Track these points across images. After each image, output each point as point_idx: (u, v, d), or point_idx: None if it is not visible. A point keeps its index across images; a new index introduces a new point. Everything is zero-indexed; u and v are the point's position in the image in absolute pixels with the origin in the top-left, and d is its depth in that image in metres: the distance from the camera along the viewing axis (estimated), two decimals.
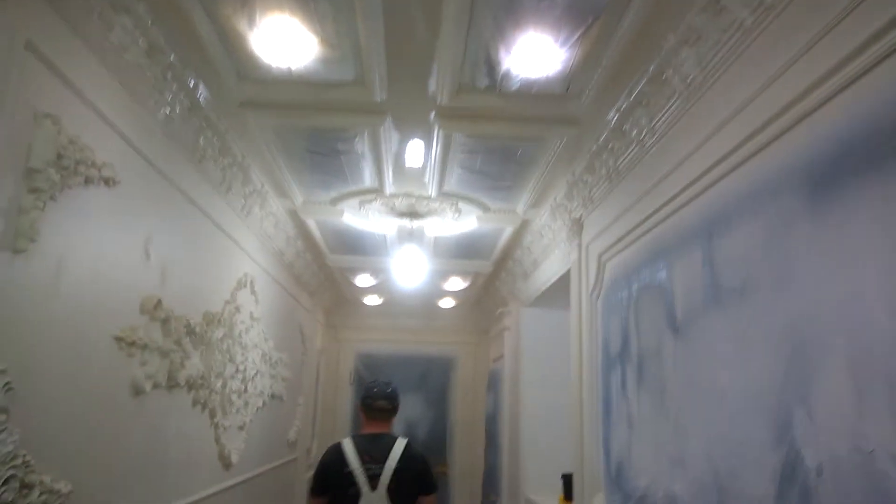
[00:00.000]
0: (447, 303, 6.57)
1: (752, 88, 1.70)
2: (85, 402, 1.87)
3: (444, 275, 5.39)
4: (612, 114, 2.43)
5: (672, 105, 2.12)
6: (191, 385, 2.69)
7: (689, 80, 1.99)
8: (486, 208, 3.57)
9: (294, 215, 3.81)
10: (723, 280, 1.75)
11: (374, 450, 2.83)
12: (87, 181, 1.79)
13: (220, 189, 2.93)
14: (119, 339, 2.03)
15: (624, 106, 2.34)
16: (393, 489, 2.74)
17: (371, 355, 6.82)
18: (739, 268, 1.67)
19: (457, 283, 5.55)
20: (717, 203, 1.84)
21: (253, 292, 3.60)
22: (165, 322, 2.36)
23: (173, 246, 2.48)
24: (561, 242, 3.62)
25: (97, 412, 1.95)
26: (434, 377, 6.85)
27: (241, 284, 3.34)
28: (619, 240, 2.63)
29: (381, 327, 6.86)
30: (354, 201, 3.53)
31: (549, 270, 3.99)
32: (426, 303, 6.65)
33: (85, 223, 1.82)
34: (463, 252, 4.65)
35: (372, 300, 6.51)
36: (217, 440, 3.12)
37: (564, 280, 3.75)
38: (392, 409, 2.95)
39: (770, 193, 1.59)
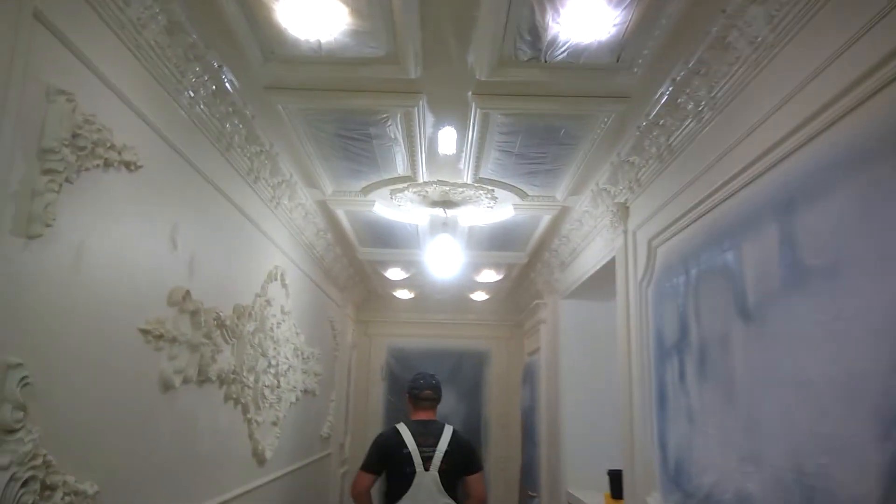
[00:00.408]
0: (479, 296, 6.42)
1: (834, 45, 1.51)
2: (110, 397, 1.76)
3: (476, 267, 5.24)
4: (665, 86, 2.25)
5: (736, 72, 1.94)
6: (222, 380, 2.58)
7: (757, 42, 1.80)
8: (523, 195, 3.40)
9: (324, 206, 3.69)
10: (807, 259, 1.57)
11: (427, 434, 3.27)
12: (107, 164, 1.67)
13: (248, 178, 2.82)
14: (145, 332, 1.92)
15: (680, 76, 2.16)
16: (444, 470, 3.19)
17: (403, 350, 6.71)
18: (828, 245, 1.49)
19: (490, 276, 5.39)
20: (796, 175, 1.65)
21: (284, 286, 3.49)
22: (194, 315, 2.25)
23: (201, 236, 2.37)
24: (603, 230, 3.44)
25: (124, 408, 1.84)
26: (467, 371, 6.71)
27: (271, 277, 3.23)
28: (673, 223, 2.45)
29: (413, 322, 6.74)
30: (386, 190, 3.40)
31: (589, 260, 3.82)
32: (458, 296, 6.50)
33: (106, 209, 1.70)
34: (497, 243, 4.49)
35: (403, 294, 6.39)
36: (251, 436, 3.02)
37: (606, 270, 3.57)
38: (437, 399, 3.45)
39: (862, 160, 1.40)
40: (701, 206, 2.22)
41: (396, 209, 3.68)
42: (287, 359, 3.56)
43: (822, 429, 1.47)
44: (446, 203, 3.50)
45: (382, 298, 6.70)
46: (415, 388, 3.44)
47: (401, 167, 3.06)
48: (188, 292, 2.18)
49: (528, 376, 5.82)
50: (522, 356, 6.53)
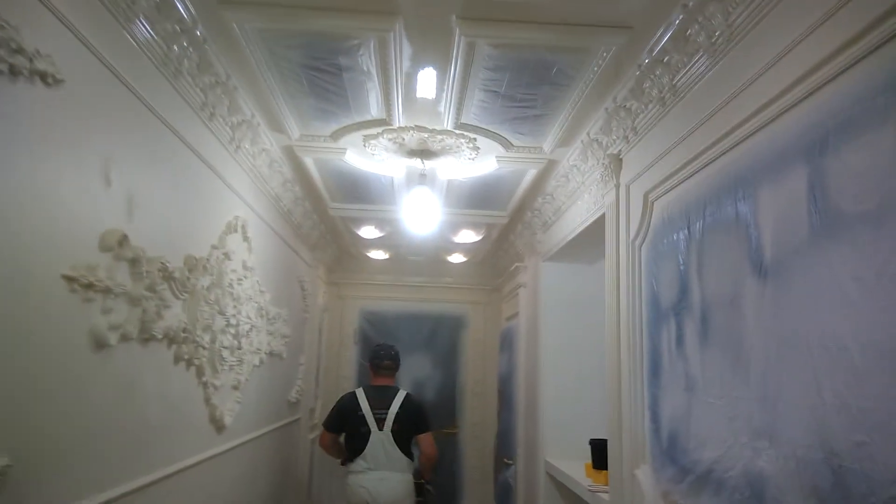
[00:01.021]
0: (457, 258, 6.19)
1: None
2: (23, 355, 1.49)
3: (454, 227, 4.99)
4: (675, 14, 1.99)
5: None
6: (171, 339, 2.31)
7: None
8: (508, 145, 3.14)
9: (290, 153, 3.39)
10: (844, 205, 1.34)
11: (381, 398, 3.93)
12: (14, 72, 1.38)
13: (203, 114, 2.51)
14: (71, 280, 1.64)
15: (692, 2, 1.90)
16: (395, 429, 3.85)
17: (376, 313, 6.47)
18: (872, 187, 1.26)
19: (468, 237, 5.15)
20: (833, 108, 1.42)
21: (245, 238, 3.20)
22: (134, 263, 1.97)
23: (143, 174, 2.08)
24: (592, 185, 3.20)
25: (42, 368, 1.57)
26: (443, 336, 6.50)
27: (230, 228, 2.94)
28: (674, 173, 2.21)
29: (387, 284, 6.48)
30: (358, 136, 3.11)
31: (574, 219, 3.59)
32: (435, 258, 6.26)
33: (13, 129, 1.41)
34: (477, 201, 4.24)
35: (377, 255, 6.12)
36: (207, 401, 2.77)
37: (593, 229, 3.35)
38: (395, 367, 4.16)
39: None
40: (708, 153, 1.99)
41: (370, 159, 3.40)
42: (249, 318, 3.30)
43: (858, 402, 1.26)
44: (424, 153, 3.22)
45: (356, 260, 6.43)
46: (376, 358, 4.12)
47: (375, 108, 2.77)
48: (125, 236, 1.90)
49: (506, 342, 5.63)
50: (500, 321, 6.33)
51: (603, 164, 2.89)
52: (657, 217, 2.38)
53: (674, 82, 2.18)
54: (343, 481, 3.99)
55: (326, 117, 2.88)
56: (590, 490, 3.05)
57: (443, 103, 2.71)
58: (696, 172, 2.07)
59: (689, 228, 2.08)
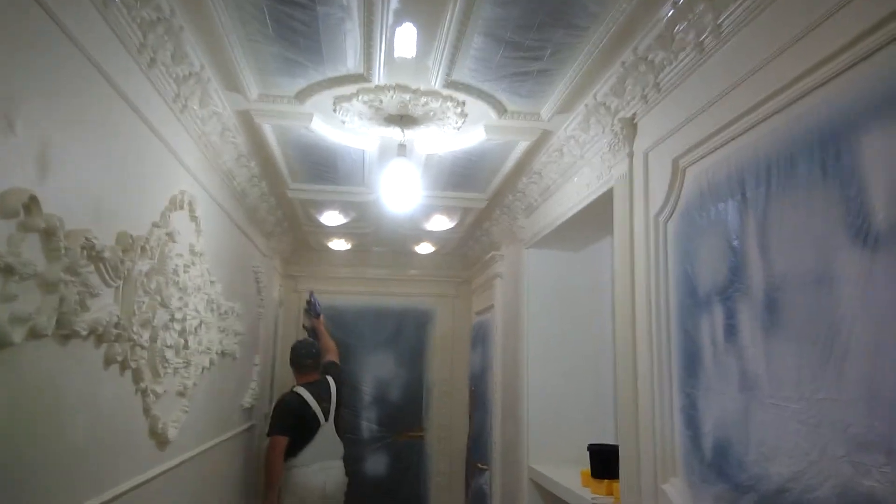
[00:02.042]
0: (425, 248, 5.77)
1: None
2: None
3: (427, 212, 4.57)
4: None
5: None
6: (100, 336, 1.84)
7: None
8: (501, 110, 2.74)
9: (247, 120, 2.91)
10: None
11: (320, 391, 4.24)
12: None
13: (140, 59, 2.03)
14: None
15: None
16: (335, 417, 4.25)
17: (336, 308, 5.97)
18: None
19: (441, 223, 4.74)
20: None
21: (193, 218, 2.72)
22: (49, 236, 1.50)
23: (61, 123, 1.61)
24: (594, 158, 2.84)
25: None
26: (408, 333, 6.07)
27: (175, 204, 2.46)
28: (717, 132, 1.85)
29: (349, 277, 6.02)
30: (328, 98, 2.66)
31: (567, 200, 3.23)
32: (401, 249, 5.83)
33: None
34: (456, 181, 3.84)
35: (338, 245, 5.65)
36: (147, 411, 2.29)
37: (591, 210, 3.01)
38: (316, 363, 4.42)
39: None
40: (770, 103, 1.63)
41: (340, 127, 2.95)
42: (198, 312, 2.81)
43: None
44: (404, 120, 2.80)
45: (315, 251, 5.93)
46: (298, 358, 4.39)
47: (352, 59, 2.34)
48: (34, 199, 1.42)
49: (479, 337, 5.26)
50: (471, 316, 5.95)
51: (612, 130, 2.53)
52: (691, 186, 2.03)
53: (719, 22, 1.83)
54: (285, 477, 4.08)
55: (293, 70, 2.43)
56: (594, 502, 2.69)
57: (433, 55, 2.30)
58: (752, 128, 1.71)
59: (743, 196, 1.73)
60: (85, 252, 1.68)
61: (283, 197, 4.21)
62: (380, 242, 5.60)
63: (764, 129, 1.67)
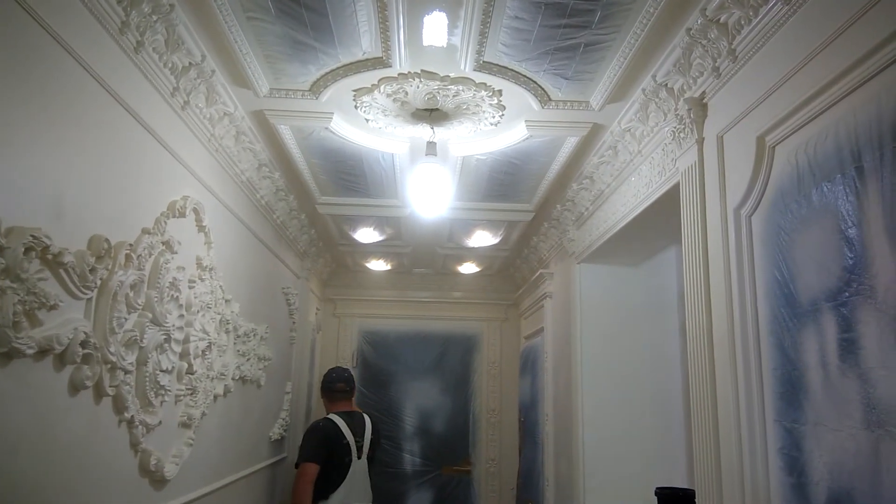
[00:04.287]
0: (469, 269, 5.41)
1: None
2: None
3: (467, 228, 4.22)
4: None
5: None
6: (63, 357, 1.54)
7: None
8: (544, 98, 2.39)
9: (262, 121, 2.64)
10: None
11: (355, 424, 3.69)
12: None
13: (124, 41, 1.77)
14: None
15: None
16: (370, 457, 3.71)
17: (378, 333, 5.67)
18: None
19: (484, 239, 4.37)
20: None
21: (201, 228, 2.44)
22: None
23: (13, 99, 1.33)
24: (655, 153, 2.45)
25: None
26: (453, 359, 5.68)
27: (175, 211, 2.18)
28: (821, 91, 1.45)
29: (390, 300, 5.70)
30: (346, 90, 2.36)
31: (623, 204, 2.83)
32: (443, 269, 5.49)
33: None
34: (497, 190, 3.48)
35: (377, 266, 5.35)
36: (134, 445, 1.98)
37: (652, 213, 2.61)
38: (350, 390, 3.85)
39: None
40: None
41: (363, 127, 2.65)
42: (206, 334, 2.52)
43: None
44: (434, 115, 2.48)
45: (353, 272, 5.65)
46: (328, 382, 3.83)
47: (367, 39, 2.03)
48: None
49: (529, 364, 4.83)
50: (519, 341, 5.54)
51: (677, 115, 2.14)
52: (783, 167, 1.62)
53: None
54: None
55: (303, 56, 2.13)
56: None
57: (460, 30, 1.97)
58: (872, 78, 1.31)
59: (860, 169, 1.31)
60: (33, 254, 1.39)
61: (315, 214, 3.94)
62: (420, 263, 5.27)
63: (888, 77, 1.26)
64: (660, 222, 2.68)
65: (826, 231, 1.42)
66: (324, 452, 3.53)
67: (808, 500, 1.45)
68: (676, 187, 2.22)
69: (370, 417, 3.83)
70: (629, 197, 2.76)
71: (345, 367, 4.30)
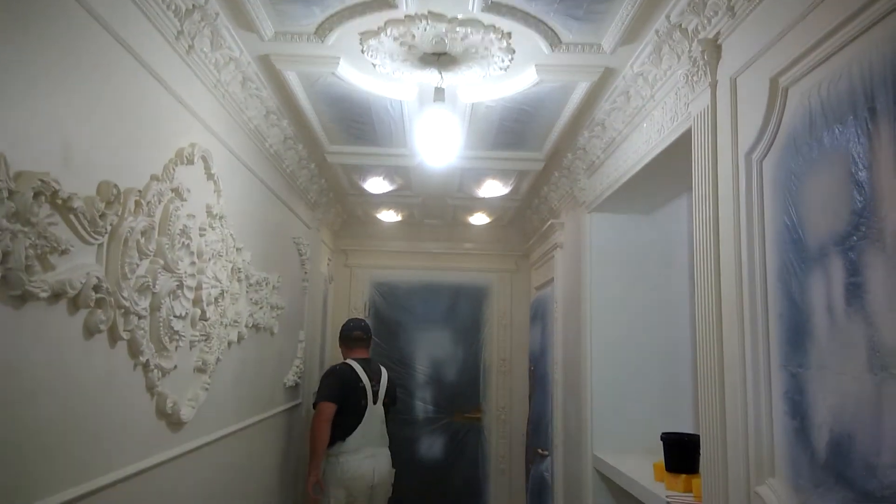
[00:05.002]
0: (479, 219, 5.40)
1: None
2: None
3: (477, 177, 4.20)
4: None
5: None
6: (76, 300, 1.57)
7: None
8: (555, 41, 2.33)
9: (268, 67, 2.61)
10: None
11: (371, 371, 3.93)
12: None
13: None
14: None
15: None
16: (385, 403, 3.93)
17: (389, 284, 5.72)
18: None
19: (494, 188, 4.35)
20: None
21: (210, 176, 2.45)
22: None
23: (18, 44, 1.33)
24: (668, 97, 2.40)
25: None
26: (464, 310, 5.74)
27: (183, 158, 2.18)
28: (837, 28, 1.40)
29: (401, 251, 5.72)
30: (352, 32, 2.32)
31: (635, 151, 2.79)
32: (454, 221, 5.48)
33: None
34: (507, 138, 3.44)
35: (388, 217, 5.35)
36: (151, 389, 2.03)
37: (664, 159, 2.57)
38: (367, 338, 4.10)
39: None
40: None
41: (371, 73, 2.62)
42: (218, 281, 2.55)
43: None
44: (442, 59, 2.43)
45: (364, 224, 5.66)
46: (346, 331, 4.10)
47: None
48: None
49: (538, 314, 4.86)
50: (530, 291, 5.56)
51: (690, 57, 2.08)
52: (796, 109, 1.58)
53: None
54: (331, 463, 3.76)
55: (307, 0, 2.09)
56: (669, 502, 2.29)
57: None
58: (888, 15, 1.26)
59: (872, 110, 1.28)
60: (43, 199, 1.40)
61: (324, 163, 3.93)
62: (431, 213, 5.26)
63: None
64: (671, 170, 2.65)
65: (836, 175, 1.39)
66: (340, 393, 3.74)
67: (809, 442, 1.47)
68: (688, 133, 2.18)
69: (386, 369, 4.07)
70: (640, 144, 2.72)
71: (361, 318, 4.49)
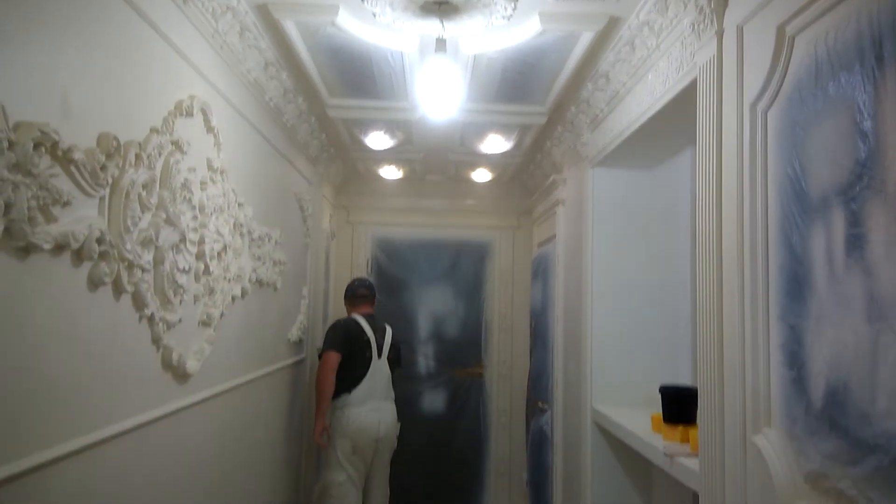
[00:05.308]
0: (482, 175, 5.37)
1: None
2: None
3: (480, 132, 4.16)
4: None
5: None
6: (80, 252, 1.58)
7: None
8: None
9: (266, 16, 2.56)
10: None
11: (376, 326, 4.07)
12: None
13: None
14: None
15: None
16: (390, 358, 4.05)
17: (391, 241, 5.73)
18: None
19: (497, 143, 4.32)
20: None
21: (209, 130, 2.43)
22: None
23: None
24: (673, 47, 2.36)
25: None
26: (466, 267, 5.75)
27: (182, 110, 2.16)
28: None
29: (402, 208, 5.71)
30: None
31: (639, 103, 2.75)
32: (456, 175, 5.46)
33: None
34: (509, 90, 3.40)
35: (390, 173, 5.33)
36: (156, 341, 2.06)
37: (669, 111, 2.54)
38: (371, 295, 4.25)
39: None
40: None
41: (371, 23, 2.57)
42: (220, 235, 2.56)
43: None
44: (443, 8, 2.39)
45: (366, 180, 5.64)
46: (351, 288, 4.28)
47: None
48: None
49: (540, 270, 4.88)
50: (531, 249, 5.57)
51: (697, 5, 2.04)
52: (802, 58, 1.56)
53: None
54: (337, 416, 3.88)
55: None
56: (667, 455, 2.33)
57: None
58: None
59: (879, 58, 1.26)
60: (43, 150, 1.40)
61: (325, 118, 3.89)
62: (433, 169, 5.24)
63: None
64: (676, 121, 2.61)
65: (841, 124, 1.38)
66: (345, 344, 3.87)
67: (806, 392, 1.49)
68: (694, 84, 2.15)
69: (390, 328, 4.19)
70: (645, 96, 2.69)
71: (364, 277, 4.76)
